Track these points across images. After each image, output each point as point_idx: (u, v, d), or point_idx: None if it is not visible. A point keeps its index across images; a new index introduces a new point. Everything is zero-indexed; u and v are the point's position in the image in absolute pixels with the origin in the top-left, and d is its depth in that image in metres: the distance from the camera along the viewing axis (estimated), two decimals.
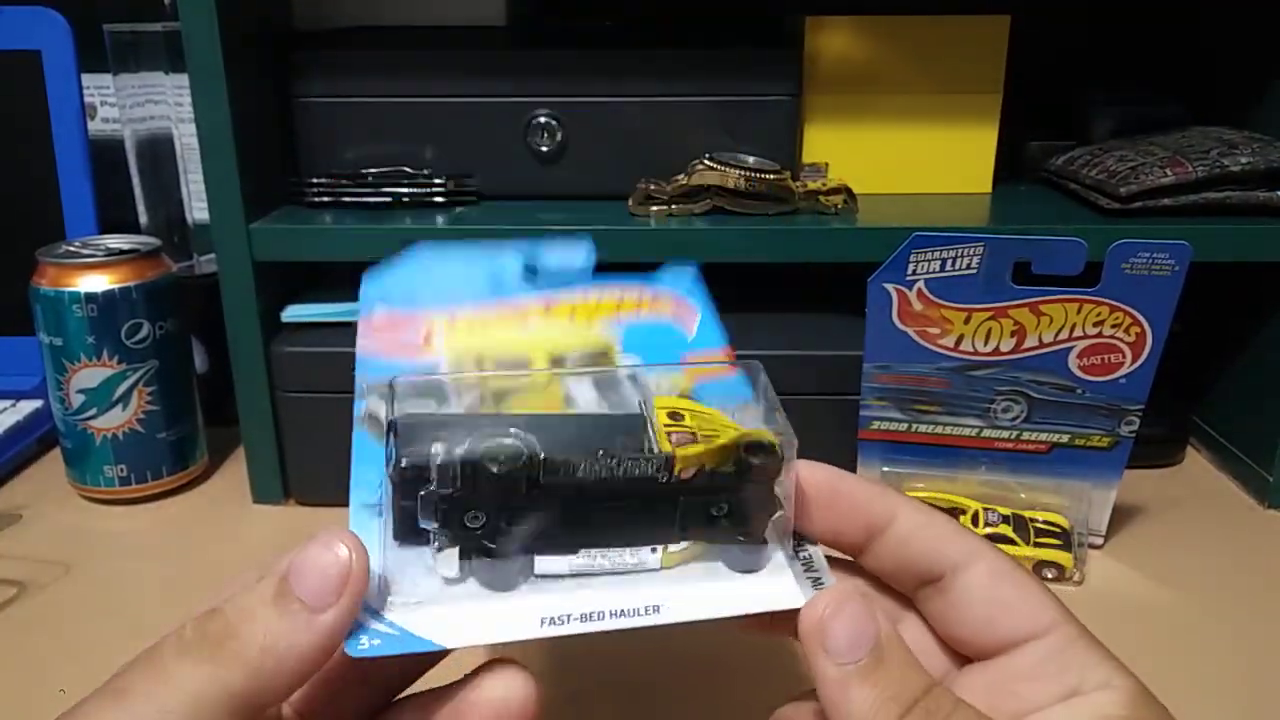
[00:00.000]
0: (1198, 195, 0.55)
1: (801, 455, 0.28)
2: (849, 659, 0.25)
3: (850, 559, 0.31)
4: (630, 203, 0.57)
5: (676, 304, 0.35)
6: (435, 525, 0.26)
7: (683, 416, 0.29)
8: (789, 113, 0.59)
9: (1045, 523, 0.51)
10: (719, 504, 0.27)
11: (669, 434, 0.28)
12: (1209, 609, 0.49)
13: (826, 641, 0.25)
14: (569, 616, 0.26)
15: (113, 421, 0.57)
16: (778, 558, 0.28)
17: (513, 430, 0.27)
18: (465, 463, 0.26)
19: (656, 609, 0.26)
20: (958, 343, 0.51)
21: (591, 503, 0.27)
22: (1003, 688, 0.27)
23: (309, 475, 0.59)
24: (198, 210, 0.68)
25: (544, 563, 0.27)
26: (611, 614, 0.26)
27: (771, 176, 0.56)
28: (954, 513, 0.51)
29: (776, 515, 0.28)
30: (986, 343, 0.50)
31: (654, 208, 0.57)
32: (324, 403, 0.56)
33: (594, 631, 0.26)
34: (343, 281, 0.61)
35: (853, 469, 0.54)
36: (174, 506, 0.60)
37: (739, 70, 0.58)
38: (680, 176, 0.57)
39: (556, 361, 0.33)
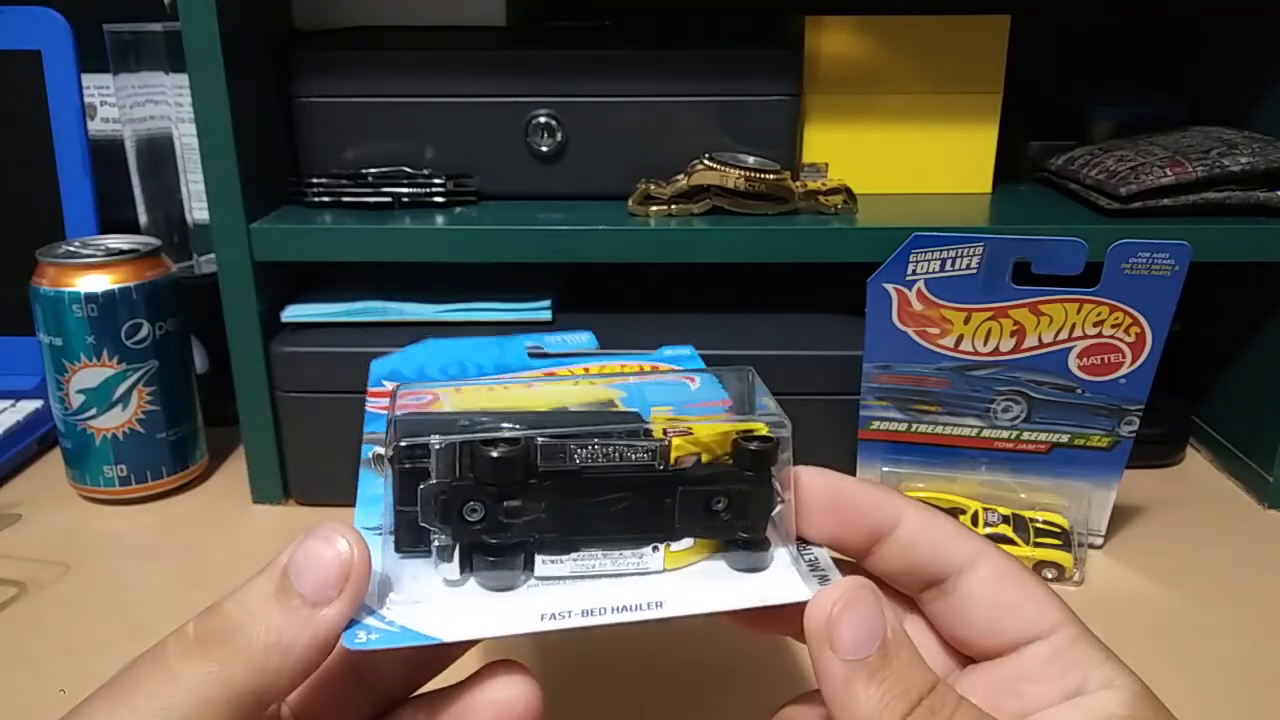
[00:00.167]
0: (1198, 195, 0.55)
1: (801, 455, 0.28)
2: (856, 655, 0.24)
3: (852, 561, 0.31)
4: (630, 203, 0.57)
5: (677, 372, 0.35)
6: (435, 521, 0.26)
7: (679, 420, 0.29)
8: (789, 113, 0.59)
9: (1045, 523, 0.51)
10: (718, 496, 0.27)
11: (665, 431, 0.28)
12: (1209, 609, 0.49)
13: (834, 637, 0.25)
14: (569, 612, 0.26)
15: (113, 421, 0.57)
16: (782, 557, 0.28)
17: (509, 424, 0.27)
18: (463, 445, 0.26)
19: (659, 604, 0.26)
20: (958, 343, 0.51)
21: (589, 494, 0.27)
22: (1006, 688, 0.27)
23: (309, 475, 0.59)
24: (198, 210, 0.68)
25: (544, 565, 0.27)
26: (613, 609, 0.26)
27: (771, 176, 0.56)
28: (954, 513, 0.51)
29: (777, 510, 0.28)
30: (986, 343, 0.50)
31: (654, 208, 0.57)
32: (324, 403, 0.56)
33: (595, 626, 0.26)
34: (343, 281, 0.61)
35: (853, 469, 0.54)
36: (174, 506, 0.60)
37: (739, 70, 0.58)
38: (680, 176, 0.57)
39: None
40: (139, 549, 0.55)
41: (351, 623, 0.25)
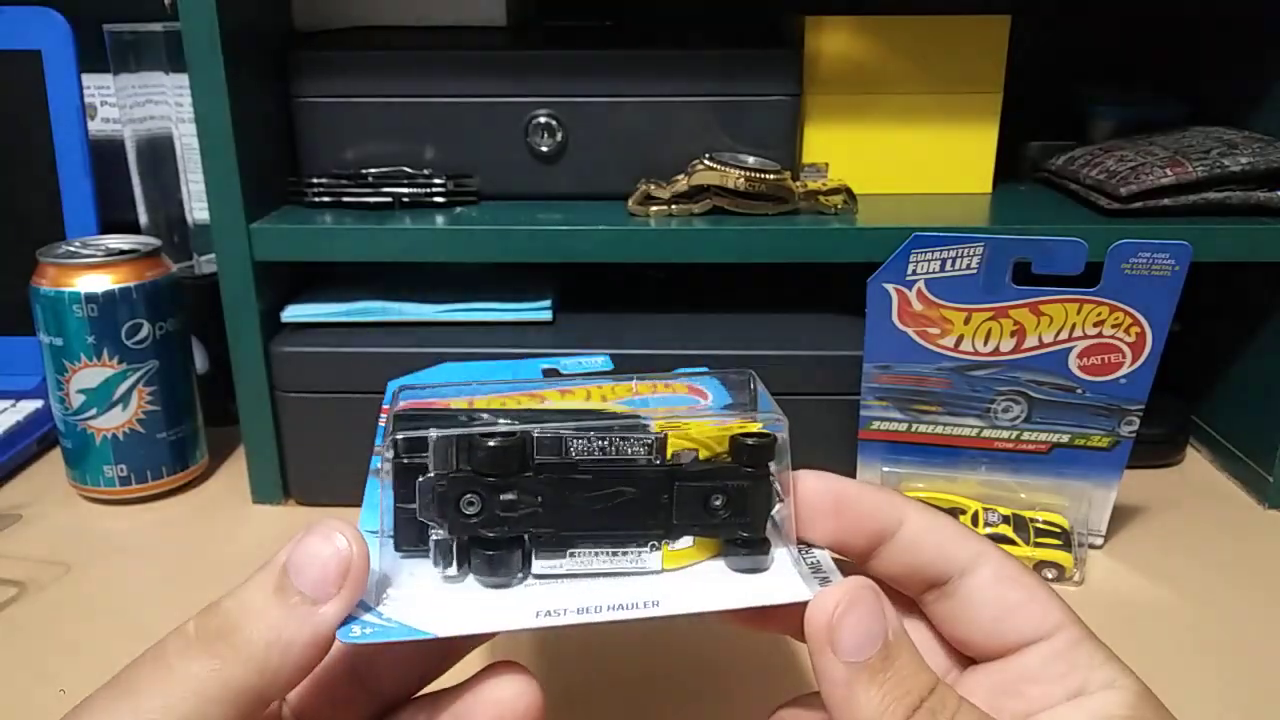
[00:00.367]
0: (1197, 195, 0.55)
1: (802, 455, 0.28)
2: (857, 657, 0.24)
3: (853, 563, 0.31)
4: (630, 203, 0.57)
5: (690, 387, 0.36)
6: (433, 514, 0.26)
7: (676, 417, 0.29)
8: (789, 113, 0.59)
9: (1045, 523, 0.51)
10: (716, 493, 0.27)
11: (663, 430, 0.28)
12: (1209, 609, 0.49)
13: (835, 639, 0.24)
14: (565, 610, 0.26)
15: (113, 421, 0.57)
16: (783, 557, 0.28)
17: (506, 420, 0.27)
18: (461, 439, 0.26)
19: (655, 603, 0.26)
20: (958, 343, 0.51)
21: (586, 488, 0.27)
22: (1007, 689, 0.27)
23: (309, 475, 0.59)
24: (198, 210, 0.68)
25: (542, 564, 0.27)
26: (609, 607, 0.26)
27: (771, 176, 0.56)
28: (954, 513, 0.51)
29: (776, 509, 0.28)
30: (986, 343, 0.50)
31: (654, 208, 0.57)
32: (324, 403, 0.56)
33: (590, 623, 0.26)
34: (343, 281, 0.61)
35: (853, 469, 0.54)
36: (174, 506, 0.60)
37: (739, 70, 0.58)
38: (680, 176, 0.57)
39: None
40: (139, 549, 0.55)
41: (348, 618, 0.25)
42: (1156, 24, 0.75)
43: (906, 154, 0.61)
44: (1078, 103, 0.70)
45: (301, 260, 0.56)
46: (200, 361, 0.65)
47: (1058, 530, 0.51)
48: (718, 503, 0.27)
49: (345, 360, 0.56)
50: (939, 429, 0.53)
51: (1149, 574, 0.52)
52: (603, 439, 0.27)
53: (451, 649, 0.29)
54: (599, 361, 0.41)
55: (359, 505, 0.30)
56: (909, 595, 0.30)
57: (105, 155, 0.71)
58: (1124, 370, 0.50)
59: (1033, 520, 0.51)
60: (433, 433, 0.26)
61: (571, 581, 0.27)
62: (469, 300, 0.59)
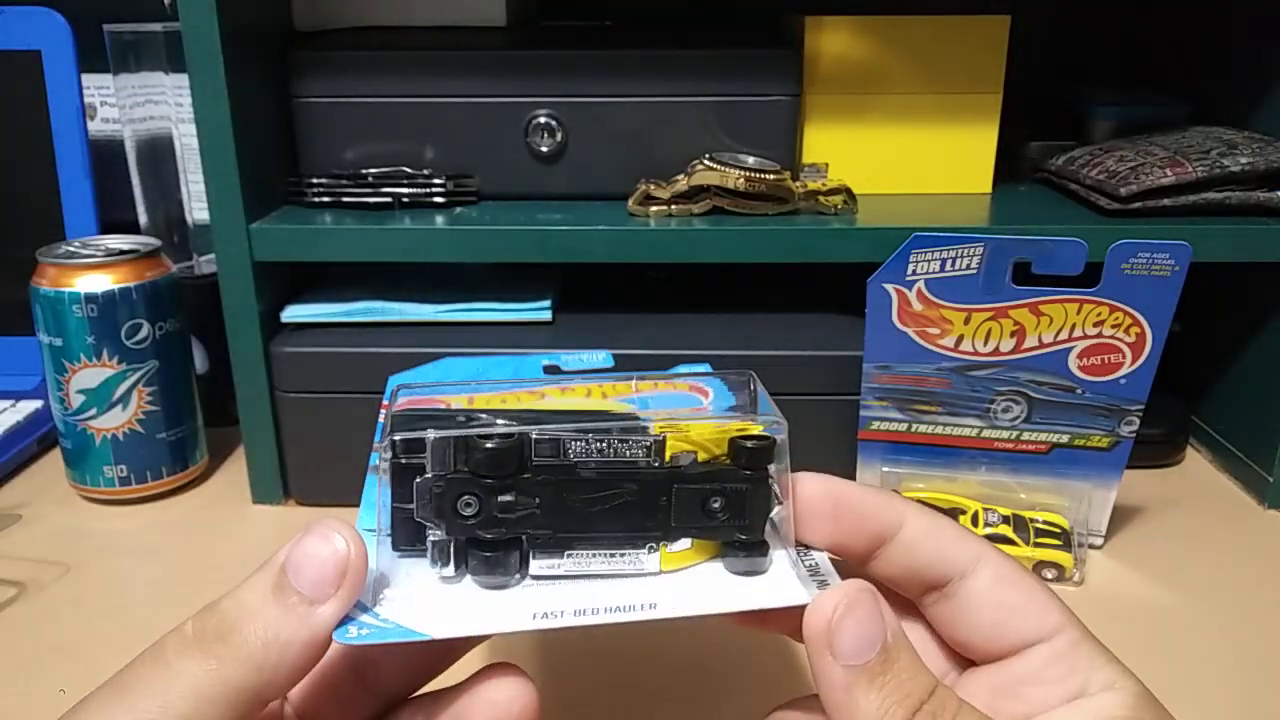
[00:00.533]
0: (1197, 195, 0.55)
1: (801, 455, 0.28)
2: (856, 660, 0.24)
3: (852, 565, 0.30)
4: (630, 203, 0.57)
5: (692, 385, 0.36)
6: (430, 515, 0.26)
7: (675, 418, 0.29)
8: (789, 113, 0.59)
9: (1045, 523, 0.51)
10: (714, 495, 0.27)
11: (662, 432, 0.28)
12: (1209, 609, 0.49)
13: (834, 642, 0.24)
14: (562, 611, 0.26)
15: (113, 421, 0.57)
16: (781, 560, 0.28)
17: (504, 421, 0.27)
18: (459, 439, 0.26)
19: (653, 605, 0.26)
20: (958, 343, 0.51)
21: (584, 490, 0.27)
22: (1007, 690, 0.27)
23: (309, 475, 0.59)
24: (198, 210, 0.68)
25: (540, 565, 0.27)
26: (606, 609, 0.26)
27: (771, 176, 0.56)
28: (954, 513, 0.51)
29: (775, 512, 0.28)
30: (986, 343, 0.50)
31: (654, 208, 0.57)
32: (324, 403, 0.56)
33: (587, 625, 0.26)
34: (343, 281, 0.61)
35: (853, 469, 0.54)
36: (174, 506, 0.60)
37: (739, 70, 0.58)
38: (680, 176, 0.57)
39: None
40: (139, 549, 0.55)
41: (345, 619, 0.25)
42: (1156, 24, 0.75)
43: (906, 154, 0.61)
44: (1078, 103, 0.70)
45: (301, 260, 0.56)
46: (200, 361, 0.65)
47: (1057, 530, 0.51)
48: (716, 505, 0.27)
49: (345, 360, 0.56)
50: (939, 429, 0.53)
51: (1149, 574, 0.52)
52: (601, 440, 0.27)
53: (451, 648, 0.29)
54: (600, 357, 0.41)
55: (359, 505, 0.30)
56: (908, 597, 0.30)
57: (105, 155, 0.71)
58: (1124, 370, 0.50)
59: (1032, 520, 0.51)
60: (430, 434, 0.26)
61: (569, 583, 0.27)
62: (469, 300, 0.59)
